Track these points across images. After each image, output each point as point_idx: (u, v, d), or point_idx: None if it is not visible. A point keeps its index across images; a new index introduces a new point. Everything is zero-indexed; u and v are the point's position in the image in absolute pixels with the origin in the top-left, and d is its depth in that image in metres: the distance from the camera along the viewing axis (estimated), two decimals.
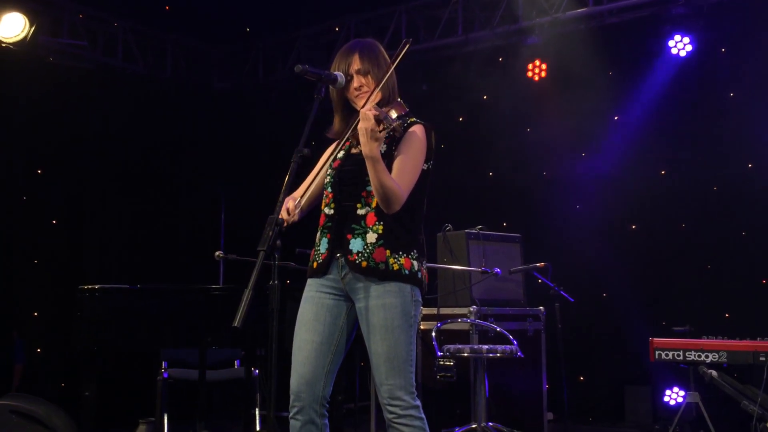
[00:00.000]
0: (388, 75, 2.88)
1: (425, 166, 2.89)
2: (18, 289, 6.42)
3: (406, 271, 2.81)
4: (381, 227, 2.81)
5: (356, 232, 2.82)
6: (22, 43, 6.23)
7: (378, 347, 2.77)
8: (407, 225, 2.85)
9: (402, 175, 2.78)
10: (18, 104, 6.39)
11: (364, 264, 2.79)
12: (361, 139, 2.66)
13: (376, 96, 2.89)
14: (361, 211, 2.84)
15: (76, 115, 6.79)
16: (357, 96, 2.92)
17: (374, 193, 2.75)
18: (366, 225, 2.82)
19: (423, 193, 2.92)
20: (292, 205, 2.84)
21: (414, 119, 2.92)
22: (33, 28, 6.23)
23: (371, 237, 2.81)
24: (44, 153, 6.66)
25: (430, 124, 2.93)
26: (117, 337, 4.28)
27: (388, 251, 2.80)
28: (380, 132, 2.62)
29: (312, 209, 3.02)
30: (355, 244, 2.81)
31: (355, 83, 2.90)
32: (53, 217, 6.76)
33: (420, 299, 2.87)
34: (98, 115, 6.92)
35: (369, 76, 2.90)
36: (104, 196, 7.02)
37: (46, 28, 6.58)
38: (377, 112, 2.63)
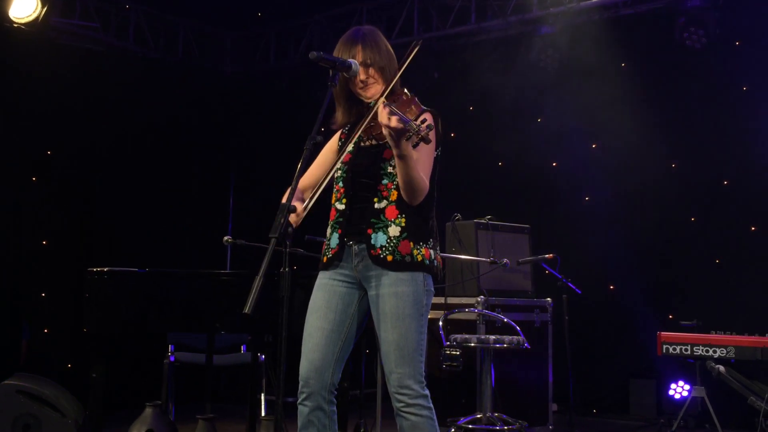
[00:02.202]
0: (397, 76, 2.87)
1: (435, 153, 2.89)
2: (26, 270, 6.43)
3: (426, 262, 2.82)
4: (404, 220, 2.81)
5: (377, 226, 2.82)
6: (34, 23, 6.21)
7: (388, 335, 2.77)
8: (424, 214, 2.86)
9: (423, 168, 2.78)
10: (29, 85, 6.38)
11: (389, 258, 2.79)
12: (391, 143, 2.63)
13: (381, 84, 2.90)
14: (379, 205, 2.83)
15: (86, 96, 6.79)
16: (362, 88, 2.91)
17: (402, 186, 2.74)
18: (386, 218, 2.81)
19: (434, 180, 2.92)
20: (300, 208, 2.83)
21: (423, 107, 2.91)
22: (45, 9, 6.21)
23: (394, 230, 2.80)
24: (54, 134, 6.66)
25: (437, 111, 2.92)
26: (125, 320, 4.28)
27: (411, 243, 2.80)
28: (408, 138, 2.58)
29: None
30: (379, 239, 2.80)
31: (361, 75, 2.89)
32: (62, 198, 6.77)
33: (432, 289, 2.87)
34: (109, 98, 6.92)
35: (373, 68, 2.90)
36: (114, 179, 7.02)
37: (59, 10, 6.56)
38: (399, 119, 2.56)
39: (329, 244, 2.91)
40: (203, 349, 5.17)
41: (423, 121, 2.60)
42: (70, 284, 6.56)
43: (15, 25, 6.21)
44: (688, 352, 4.86)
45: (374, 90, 2.90)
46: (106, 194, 6.99)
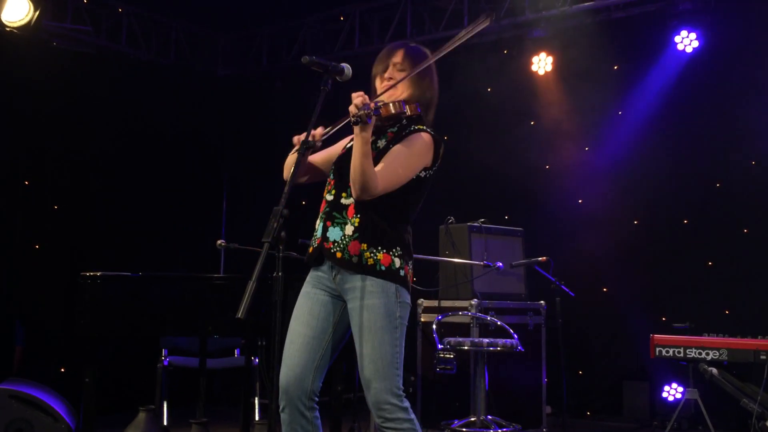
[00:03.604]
0: (409, 75, 2.85)
1: (423, 173, 2.86)
2: (19, 274, 6.41)
3: (383, 267, 2.76)
4: (357, 220, 2.79)
5: (336, 221, 2.82)
6: (26, 27, 6.19)
7: (362, 348, 2.75)
8: (390, 221, 2.81)
9: (386, 168, 2.75)
10: (21, 88, 6.36)
11: (338, 255, 2.79)
12: (351, 121, 2.66)
13: (402, 91, 2.88)
14: (345, 201, 2.84)
15: (78, 100, 6.77)
16: (383, 87, 2.91)
17: (351, 172, 2.71)
18: (346, 216, 2.81)
19: (417, 197, 2.89)
20: (321, 131, 2.83)
21: (422, 127, 2.91)
22: (37, 13, 6.19)
23: (349, 229, 2.80)
24: (47, 138, 6.64)
25: (440, 136, 2.90)
26: (118, 324, 4.28)
27: (363, 245, 2.77)
28: (357, 116, 2.60)
29: (314, 181, 3.03)
30: (333, 233, 2.81)
31: (387, 74, 2.90)
32: (55, 202, 6.75)
33: (407, 301, 2.83)
34: (101, 101, 6.90)
35: (405, 73, 2.89)
36: (107, 182, 7.00)
37: (51, 13, 6.54)
38: (363, 99, 2.62)
39: (316, 234, 2.90)
40: (196, 353, 5.16)
41: (375, 110, 2.63)
42: (62, 288, 6.54)
43: (7, 29, 6.19)
44: (681, 355, 4.87)
45: (390, 93, 2.88)
46: (98, 197, 6.97)
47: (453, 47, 2.87)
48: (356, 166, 2.67)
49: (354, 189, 2.72)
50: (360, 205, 2.78)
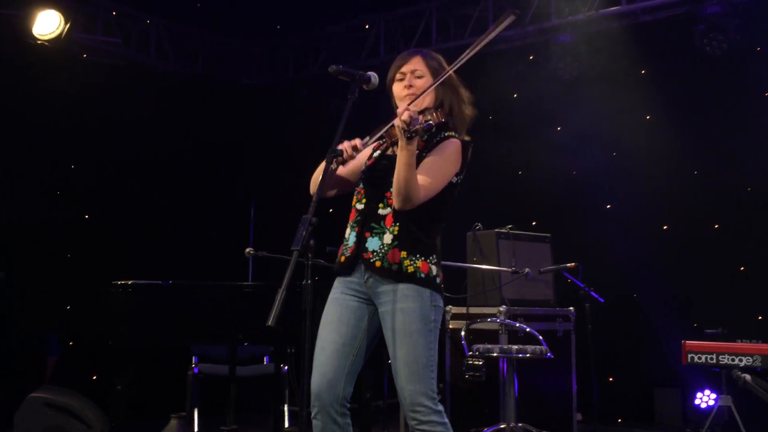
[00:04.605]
0: (436, 82, 2.87)
1: (454, 179, 2.90)
2: (51, 283, 6.49)
3: (422, 274, 2.80)
4: (397, 228, 2.82)
5: (375, 231, 2.85)
6: (57, 40, 6.29)
7: (397, 351, 2.77)
8: (426, 230, 2.85)
9: (426, 177, 2.78)
10: (52, 100, 6.46)
11: (378, 264, 2.81)
12: (398, 135, 2.68)
13: (424, 99, 2.90)
14: (382, 211, 2.86)
15: (109, 111, 6.86)
16: (405, 97, 2.92)
17: (393, 182, 2.74)
18: (384, 225, 2.84)
19: (447, 204, 2.92)
20: (359, 142, 2.84)
21: (452, 134, 2.93)
22: (68, 26, 6.29)
23: (387, 238, 2.82)
24: (77, 149, 6.74)
25: (469, 141, 2.93)
26: (149, 332, 4.33)
27: (403, 253, 2.80)
28: (408, 131, 2.63)
29: (339, 195, 3.04)
30: (372, 243, 2.84)
31: (406, 82, 2.92)
32: (86, 212, 6.84)
33: (441, 305, 2.86)
34: (130, 112, 6.98)
35: (424, 79, 2.92)
36: (136, 192, 7.08)
37: (81, 26, 6.65)
38: (410, 113, 2.64)
39: (347, 243, 2.92)
40: (226, 361, 5.19)
41: (426, 122, 2.65)
42: (93, 297, 6.61)
43: (39, 42, 6.29)
44: (714, 361, 4.81)
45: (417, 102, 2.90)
46: (128, 207, 7.05)
47: (481, 46, 2.87)
48: (401, 178, 2.70)
49: (398, 200, 2.75)
50: (398, 215, 2.81)
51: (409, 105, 2.84)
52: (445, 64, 2.99)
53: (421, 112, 2.79)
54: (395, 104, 2.97)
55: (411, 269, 2.79)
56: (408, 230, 2.81)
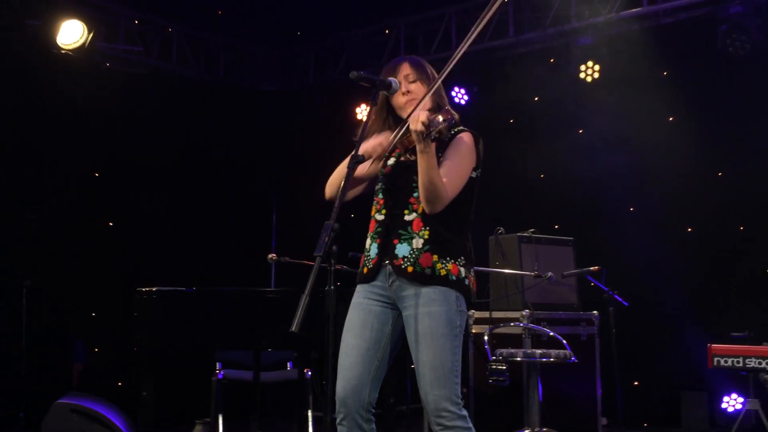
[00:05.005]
0: (442, 75, 2.87)
1: (473, 174, 2.91)
2: (76, 291, 6.56)
3: (453, 277, 2.81)
4: (427, 232, 2.83)
5: (403, 237, 2.85)
6: (80, 49, 6.37)
7: (423, 356, 2.77)
8: (455, 231, 2.87)
9: (447, 176, 2.79)
10: (77, 109, 6.52)
11: (410, 269, 2.81)
12: (415, 139, 2.68)
13: (425, 104, 2.91)
14: (408, 217, 2.86)
15: (131, 118, 6.93)
16: (406, 103, 2.94)
17: (420, 188, 2.75)
18: (412, 230, 2.84)
19: (471, 201, 2.93)
20: (385, 140, 2.86)
21: (461, 128, 2.95)
22: (91, 35, 6.36)
23: (417, 242, 2.83)
24: (101, 156, 6.81)
25: (478, 132, 2.94)
26: (173, 338, 4.36)
27: (435, 256, 2.81)
28: (429, 134, 2.64)
29: (362, 193, 3.05)
30: (401, 249, 2.84)
31: (403, 89, 2.93)
32: (109, 219, 6.90)
33: (465, 309, 2.86)
34: (153, 119, 7.05)
35: (418, 83, 2.94)
36: (159, 198, 7.14)
37: (103, 35, 6.72)
38: (427, 116, 2.65)
39: (369, 255, 2.93)
40: (250, 366, 5.20)
41: (445, 120, 2.66)
42: (117, 304, 6.67)
43: (63, 52, 6.36)
44: (740, 365, 4.75)
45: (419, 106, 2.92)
46: (151, 214, 7.11)
47: (476, 33, 2.88)
48: (427, 182, 2.71)
49: (428, 204, 2.76)
50: (427, 218, 2.82)
51: (413, 110, 2.86)
52: (429, 67, 3.02)
53: (448, 114, 2.81)
54: (381, 109, 2.99)
55: (443, 272, 2.80)
56: (438, 233, 2.82)
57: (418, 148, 2.69)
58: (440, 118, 2.70)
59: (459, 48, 2.85)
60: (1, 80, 6.03)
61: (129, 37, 7.00)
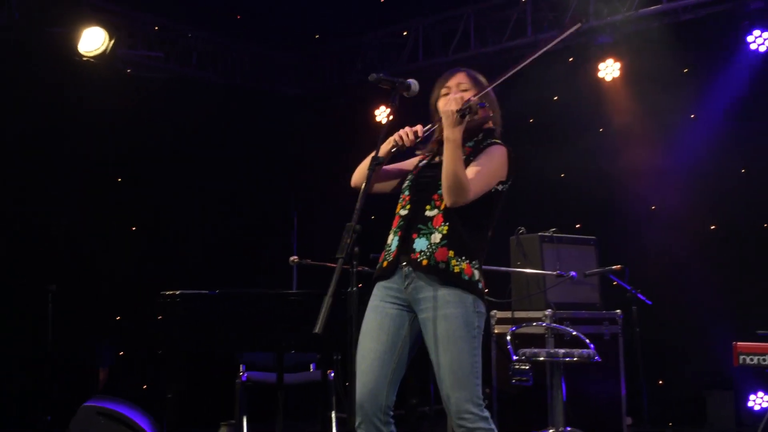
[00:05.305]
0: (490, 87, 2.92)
1: (500, 187, 2.93)
2: (101, 295, 6.62)
3: (466, 277, 2.82)
4: (446, 228, 2.84)
5: (422, 232, 2.87)
6: (102, 56, 6.43)
7: (441, 358, 2.77)
8: (473, 234, 2.87)
9: (474, 173, 2.81)
10: (99, 115, 6.58)
11: (424, 262, 2.82)
12: (444, 122, 2.74)
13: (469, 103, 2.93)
14: (429, 213, 2.88)
15: (153, 124, 6.98)
16: (446, 103, 2.93)
17: (443, 177, 2.77)
18: (432, 226, 2.86)
19: (494, 211, 2.94)
20: (420, 129, 2.91)
21: (498, 141, 2.98)
22: (112, 42, 6.42)
23: (436, 237, 2.84)
24: (124, 162, 6.87)
25: (513, 149, 2.96)
26: (197, 340, 4.38)
27: (451, 252, 2.82)
28: (461, 110, 2.69)
29: (383, 191, 3.08)
30: (419, 243, 2.85)
31: (452, 96, 2.93)
32: (133, 224, 6.96)
33: (483, 311, 2.86)
34: (174, 124, 7.10)
35: (469, 93, 2.96)
36: (181, 203, 7.20)
37: (124, 41, 6.79)
38: (462, 97, 2.72)
39: (389, 248, 2.95)
40: (273, 368, 5.23)
41: (477, 101, 2.73)
42: (141, 307, 6.72)
43: (84, 59, 6.43)
44: (767, 363, 4.72)
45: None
46: (173, 218, 7.16)
47: (541, 52, 2.95)
48: (450, 171, 2.74)
49: (448, 195, 2.77)
50: (448, 215, 2.84)
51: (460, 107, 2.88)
52: (484, 79, 3.05)
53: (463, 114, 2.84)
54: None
55: (457, 269, 2.81)
56: (457, 230, 2.83)
57: (445, 134, 2.73)
58: (472, 99, 2.74)
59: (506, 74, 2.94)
60: (24, 87, 6.10)
61: (149, 43, 7.06)
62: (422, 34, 7.42)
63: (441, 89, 3.03)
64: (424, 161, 3.03)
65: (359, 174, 3.04)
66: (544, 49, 2.91)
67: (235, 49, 7.80)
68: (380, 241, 3.17)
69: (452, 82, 3.00)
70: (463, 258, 2.83)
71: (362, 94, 7.74)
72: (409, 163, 3.11)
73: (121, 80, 6.76)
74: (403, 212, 2.96)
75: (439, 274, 2.80)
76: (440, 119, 2.84)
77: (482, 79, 3.04)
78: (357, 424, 2.82)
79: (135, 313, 6.77)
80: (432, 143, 3.00)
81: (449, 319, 2.77)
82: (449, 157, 2.73)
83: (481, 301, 2.85)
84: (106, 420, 4.57)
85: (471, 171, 2.80)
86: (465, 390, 2.74)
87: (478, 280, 2.86)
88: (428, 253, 2.82)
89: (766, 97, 6.17)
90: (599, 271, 5.30)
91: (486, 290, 2.93)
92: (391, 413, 2.85)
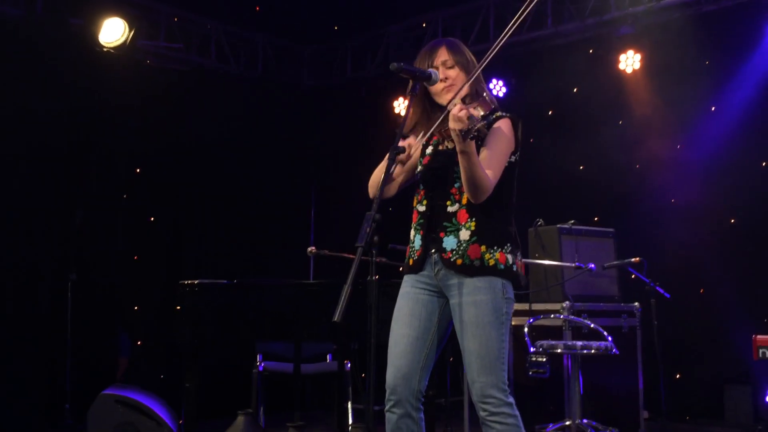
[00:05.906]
0: (481, 66, 2.86)
1: (512, 158, 2.89)
2: (120, 285, 6.67)
3: (501, 266, 2.82)
4: (473, 224, 2.83)
5: (449, 229, 2.85)
6: (122, 47, 6.46)
7: (469, 344, 2.78)
8: (499, 218, 2.86)
9: (488, 164, 2.78)
10: (118, 106, 6.62)
11: (459, 261, 2.82)
12: (455, 139, 2.66)
13: (464, 90, 2.90)
14: (451, 209, 2.86)
15: (172, 115, 7.01)
16: (443, 89, 2.93)
17: (463, 183, 2.75)
18: (458, 222, 2.84)
19: (512, 186, 2.92)
20: (413, 142, 2.87)
21: (500, 113, 2.92)
22: (132, 33, 6.45)
23: (464, 234, 2.83)
24: (142, 152, 6.90)
25: (517, 116, 2.92)
26: (215, 330, 4.41)
27: (483, 247, 2.81)
28: (469, 131, 2.62)
29: (399, 190, 3.05)
30: (449, 242, 2.84)
31: (441, 75, 2.92)
32: (152, 215, 7.00)
33: (512, 296, 2.86)
34: (193, 115, 7.13)
35: (456, 68, 2.93)
36: (199, 193, 7.23)
37: (144, 32, 6.81)
38: (467, 113, 2.62)
39: (413, 246, 2.95)
40: (290, 358, 5.26)
41: (485, 117, 2.64)
42: (160, 297, 6.77)
43: (105, 50, 6.46)
44: None
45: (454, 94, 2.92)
46: (192, 208, 7.20)
47: (516, 24, 2.87)
48: (470, 177, 2.71)
49: (472, 194, 2.75)
50: (472, 209, 2.82)
51: (452, 99, 2.85)
52: (467, 50, 3.00)
53: (463, 100, 2.80)
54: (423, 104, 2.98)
55: (492, 262, 2.81)
56: (483, 222, 2.82)
57: (458, 148, 2.67)
58: (480, 112, 2.68)
59: (499, 39, 2.83)
60: (46, 79, 6.14)
61: (169, 34, 7.08)
62: (442, 26, 7.39)
63: (423, 65, 2.95)
64: (431, 146, 2.97)
65: (373, 186, 2.95)
66: (520, 19, 2.86)
67: (255, 40, 7.81)
68: (399, 232, 3.18)
69: (438, 60, 2.93)
70: (496, 248, 2.82)
71: (381, 86, 7.73)
72: (417, 152, 3.01)
73: (140, 71, 6.79)
74: (421, 208, 2.94)
75: (475, 271, 2.80)
76: (444, 118, 2.80)
77: (464, 48, 2.98)
78: (389, 407, 2.83)
79: (154, 303, 6.83)
80: (436, 132, 2.91)
81: (478, 306, 2.77)
82: (467, 168, 2.69)
83: (511, 286, 2.85)
84: (124, 408, 4.61)
85: (485, 164, 2.77)
86: (491, 375, 2.75)
87: (513, 263, 2.85)
88: (460, 252, 2.81)
89: None
90: (617, 264, 5.27)
91: (522, 263, 2.92)
92: (422, 399, 2.86)
